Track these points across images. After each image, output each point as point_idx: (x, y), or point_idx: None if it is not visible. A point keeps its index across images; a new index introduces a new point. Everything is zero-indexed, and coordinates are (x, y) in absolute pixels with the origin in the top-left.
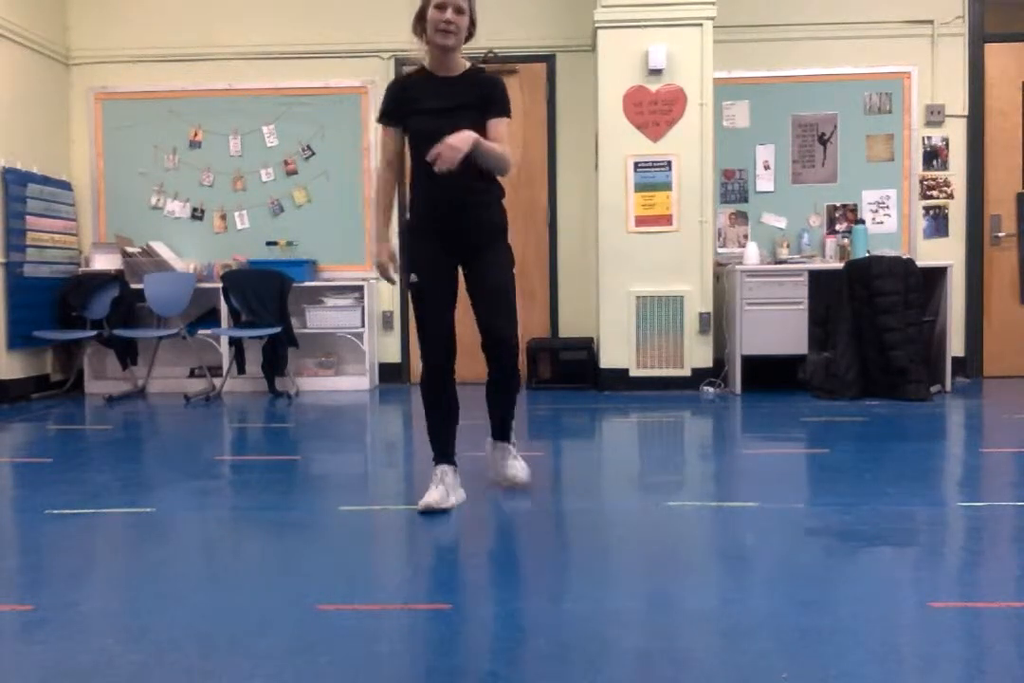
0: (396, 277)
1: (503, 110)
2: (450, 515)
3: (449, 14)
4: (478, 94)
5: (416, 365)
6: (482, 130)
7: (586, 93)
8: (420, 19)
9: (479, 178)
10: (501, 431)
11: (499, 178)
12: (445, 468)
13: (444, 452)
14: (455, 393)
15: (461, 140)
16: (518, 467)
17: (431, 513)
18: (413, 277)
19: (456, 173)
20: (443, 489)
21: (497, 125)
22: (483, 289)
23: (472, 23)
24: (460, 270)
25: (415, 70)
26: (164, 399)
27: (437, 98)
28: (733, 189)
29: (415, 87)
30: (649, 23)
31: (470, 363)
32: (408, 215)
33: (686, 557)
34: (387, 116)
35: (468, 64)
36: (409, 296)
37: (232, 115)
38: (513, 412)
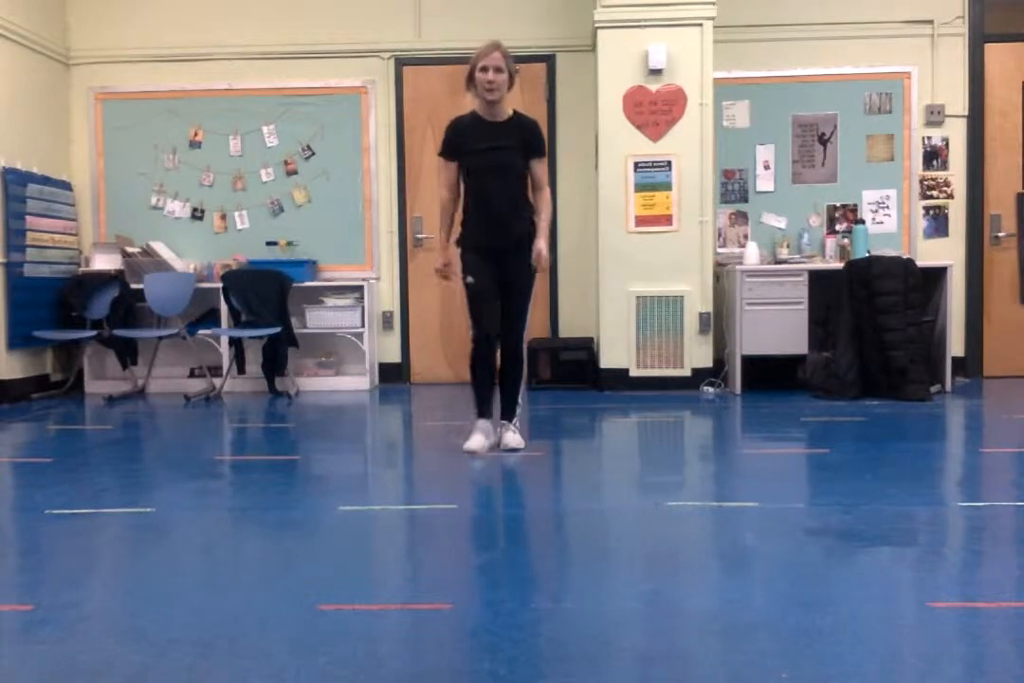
0: (454, 277)
1: (542, 151)
2: (453, 513)
3: (491, 75)
4: (520, 137)
5: (415, 365)
6: (523, 164)
7: (586, 93)
8: (470, 78)
9: (518, 202)
10: (505, 412)
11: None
12: (483, 422)
13: (483, 410)
14: (495, 366)
15: (544, 252)
16: (511, 437)
17: (472, 455)
18: (469, 279)
19: (502, 200)
20: (482, 438)
21: (538, 166)
22: (511, 288)
23: (511, 77)
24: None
25: (468, 114)
26: (164, 399)
27: (487, 140)
28: (733, 189)
29: (469, 129)
30: (649, 23)
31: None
32: (461, 232)
33: (686, 557)
34: (448, 152)
35: (511, 111)
36: (464, 293)
37: (232, 115)
38: (516, 397)
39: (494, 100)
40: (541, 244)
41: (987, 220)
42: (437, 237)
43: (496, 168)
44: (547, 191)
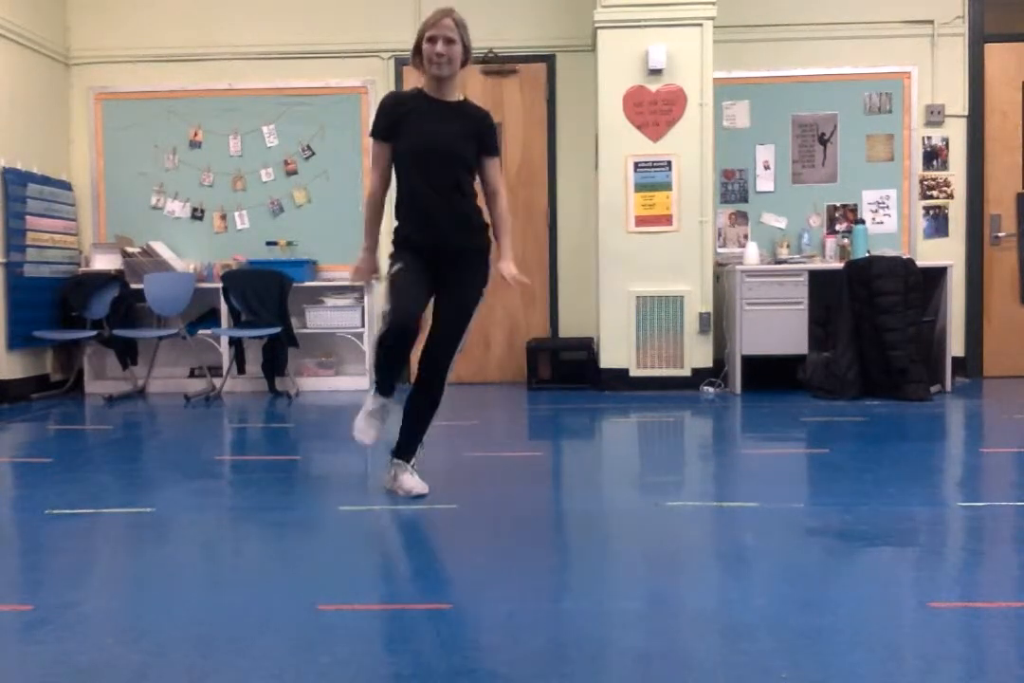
0: (372, 281)
1: (496, 149)
2: (453, 513)
3: (440, 46)
4: (473, 127)
5: (415, 365)
6: (472, 158)
7: (586, 93)
8: (416, 52)
9: (463, 202)
10: (402, 449)
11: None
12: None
13: (385, 387)
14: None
15: (512, 271)
16: (410, 480)
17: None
18: (397, 266)
19: (444, 194)
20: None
21: (492, 166)
22: (446, 303)
23: (466, 50)
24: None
25: (411, 89)
26: (164, 399)
27: (432, 120)
28: (733, 189)
29: (411, 104)
30: (649, 23)
31: (468, 363)
32: (395, 229)
33: (686, 557)
34: (383, 131)
35: (462, 96)
36: (387, 285)
37: (232, 115)
38: (421, 436)
39: (443, 76)
40: (509, 266)
41: (987, 220)
42: (364, 237)
43: (441, 154)
44: (504, 199)
